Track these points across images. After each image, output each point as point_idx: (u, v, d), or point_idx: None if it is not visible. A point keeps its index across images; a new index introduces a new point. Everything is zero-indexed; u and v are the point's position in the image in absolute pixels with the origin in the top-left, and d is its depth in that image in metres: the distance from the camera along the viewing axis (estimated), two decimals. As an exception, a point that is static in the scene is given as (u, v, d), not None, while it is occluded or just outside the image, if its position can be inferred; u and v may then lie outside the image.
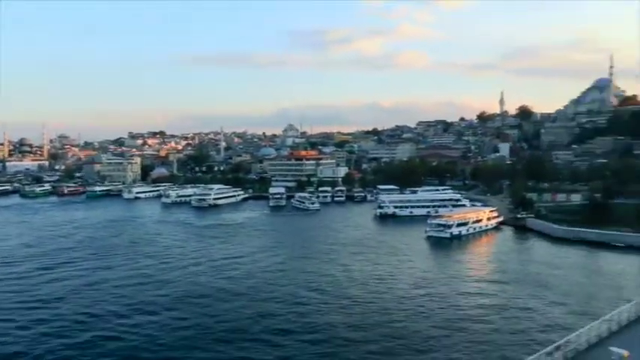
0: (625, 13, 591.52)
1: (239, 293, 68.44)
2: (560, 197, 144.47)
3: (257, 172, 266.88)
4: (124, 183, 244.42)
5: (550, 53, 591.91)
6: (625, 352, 22.74)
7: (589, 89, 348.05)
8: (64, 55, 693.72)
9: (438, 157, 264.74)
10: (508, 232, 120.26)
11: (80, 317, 58.91)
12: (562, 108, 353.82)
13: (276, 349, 49.43)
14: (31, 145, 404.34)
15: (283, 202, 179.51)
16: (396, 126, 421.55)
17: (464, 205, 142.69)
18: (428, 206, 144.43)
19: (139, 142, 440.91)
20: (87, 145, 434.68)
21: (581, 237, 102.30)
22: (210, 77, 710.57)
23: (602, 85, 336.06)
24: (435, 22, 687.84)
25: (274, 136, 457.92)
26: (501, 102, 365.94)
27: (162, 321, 57.45)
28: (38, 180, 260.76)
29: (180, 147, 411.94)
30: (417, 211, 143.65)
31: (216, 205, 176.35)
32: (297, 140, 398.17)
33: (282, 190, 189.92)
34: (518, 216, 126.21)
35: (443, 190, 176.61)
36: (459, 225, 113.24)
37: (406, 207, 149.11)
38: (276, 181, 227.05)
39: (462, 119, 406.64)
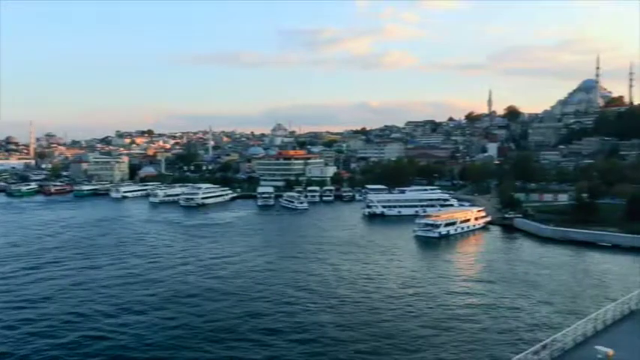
0: (612, 16, 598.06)
1: (228, 293, 68.34)
2: (548, 197, 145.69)
3: (245, 171, 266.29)
4: (111, 182, 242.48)
5: (538, 54, 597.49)
6: (610, 351, 23.01)
7: (576, 90, 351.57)
8: (50, 53, 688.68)
9: (426, 157, 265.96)
10: (496, 231, 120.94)
11: (67, 317, 58.54)
12: (549, 108, 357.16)
13: (264, 348, 49.42)
14: (17, 144, 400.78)
15: (271, 202, 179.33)
16: (385, 126, 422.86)
17: (452, 205, 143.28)
18: (416, 206, 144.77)
19: (127, 140, 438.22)
20: (74, 144, 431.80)
21: (568, 237, 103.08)
22: (199, 76, 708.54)
23: (588, 87, 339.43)
24: (423, 22, 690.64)
25: (263, 135, 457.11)
26: (489, 102, 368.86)
27: (150, 320, 57.23)
28: (24, 179, 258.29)
29: (168, 146, 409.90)
30: (405, 211, 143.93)
31: (204, 205, 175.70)
32: (286, 140, 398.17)
33: (271, 189, 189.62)
34: (506, 216, 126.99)
35: (431, 190, 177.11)
36: (447, 225, 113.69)
37: (394, 207, 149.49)
38: (265, 180, 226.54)
39: (451, 119, 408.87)
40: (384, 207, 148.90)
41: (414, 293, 67.73)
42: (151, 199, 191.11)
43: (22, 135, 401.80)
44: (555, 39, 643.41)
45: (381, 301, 64.14)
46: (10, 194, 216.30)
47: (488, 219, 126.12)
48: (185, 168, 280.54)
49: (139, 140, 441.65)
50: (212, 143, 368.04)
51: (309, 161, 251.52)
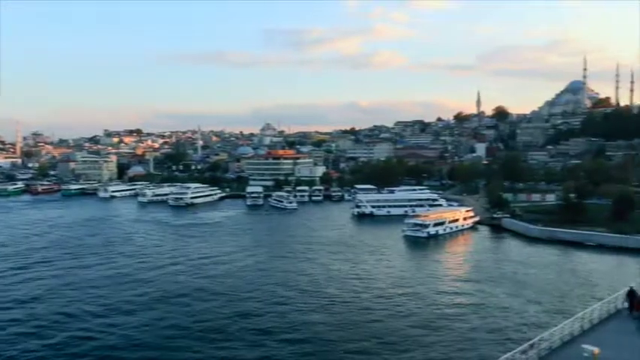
0: (599, 17, 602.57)
1: (217, 293, 68.25)
2: (535, 197, 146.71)
3: (234, 171, 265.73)
4: (99, 181, 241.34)
5: (526, 55, 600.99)
6: (596, 350, 23.28)
7: (563, 91, 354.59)
8: (36, 51, 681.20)
9: (415, 157, 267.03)
10: (484, 231, 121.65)
11: (56, 317, 58.21)
12: (537, 109, 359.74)
13: (254, 348, 49.46)
14: (3, 143, 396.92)
15: (261, 202, 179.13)
16: (374, 126, 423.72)
17: (440, 205, 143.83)
18: (405, 206, 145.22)
19: (115, 140, 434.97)
20: (61, 143, 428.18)
21: (556, 237, 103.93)
22: (187, 76, 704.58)
23: (576, 88, 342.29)
24: (413, 22, 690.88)
25: (252, 135, 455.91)
26: (478, 102, 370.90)
27: (139, 321, 57.03)
28: (11, 178, 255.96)
29: (156, 145, 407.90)
30: (394, 211, 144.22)
31: (193, 204, 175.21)
32: (275, 139, 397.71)
33: (260, 189, 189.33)
34: (494, 216, 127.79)
35: (420, 189, 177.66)
36: (435, 225, 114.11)
37: (383, 206, 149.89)
38: (254, 180, 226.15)
39: (439, 119, 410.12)
40: (373, 207, 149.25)
41: (403, 293, 68.00)
42: (140, 198, 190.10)
43: (8, 134, 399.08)
44: (544, 39, 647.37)
45: (371, 301, 64.34)
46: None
47: (477, 219, 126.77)
48: (174, 167, 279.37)
49: (127, 139, 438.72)
50: (201, 143, 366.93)
51: (298, 161, 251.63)
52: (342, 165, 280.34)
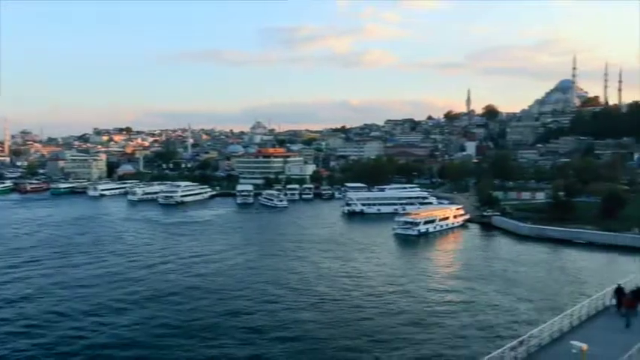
0: (589, 17, 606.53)
1: (208, 291, 68.05)
2: (525, 195, 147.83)
3: (225, 169, 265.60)
4: (89, 180, 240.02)
5: (517, 54, 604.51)
6: (584, 346, 23.50)
7: (553, 90, 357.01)
8: (24, 49, 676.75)
9: (405, 155, 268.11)
10: (474, 229, 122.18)
11: (46, 316, 57.78)
12: (527, 108, 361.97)
13: (245, 346, 49.38)
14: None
15: (251, 200, 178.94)
16: (365, 124, 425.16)
17: (431, 203, 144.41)
18: (395, 204, 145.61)
19: (105, 138, 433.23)
20: (50, 141, 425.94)
21: (545, 234, 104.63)
22: (177, 74, 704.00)
23: (565, 87, 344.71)
24: (405, 22, 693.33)
25: (242, 133, 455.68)
26: (468, 101, 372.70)
27: (130, 319, 56.74)
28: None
29: (146, 144, 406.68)
30: (384, 209, 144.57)
31: (183, 203, 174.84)
32: (265, 138, 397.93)
33: (250, 187, 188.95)
34: (484, 214, 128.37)
35: (410, 188, 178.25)
36: (426, 222, 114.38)
37: (374, 205, 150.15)
38: (244, 178, 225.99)
39: (430, 118, 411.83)
40: (363, 205, 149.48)
41: (393, 291, 68.14)
42: (130, 197, 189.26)
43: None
44: (533, 39, 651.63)
45: (361, 299, 64.39)
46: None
47: (467, 217, 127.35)
48: (164, 166, 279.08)
49: (117, 138, 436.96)
50: (191, 141, 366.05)
51: (288, 159, 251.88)
52: (332, 163, 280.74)
